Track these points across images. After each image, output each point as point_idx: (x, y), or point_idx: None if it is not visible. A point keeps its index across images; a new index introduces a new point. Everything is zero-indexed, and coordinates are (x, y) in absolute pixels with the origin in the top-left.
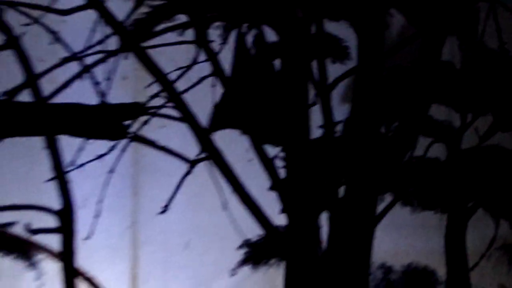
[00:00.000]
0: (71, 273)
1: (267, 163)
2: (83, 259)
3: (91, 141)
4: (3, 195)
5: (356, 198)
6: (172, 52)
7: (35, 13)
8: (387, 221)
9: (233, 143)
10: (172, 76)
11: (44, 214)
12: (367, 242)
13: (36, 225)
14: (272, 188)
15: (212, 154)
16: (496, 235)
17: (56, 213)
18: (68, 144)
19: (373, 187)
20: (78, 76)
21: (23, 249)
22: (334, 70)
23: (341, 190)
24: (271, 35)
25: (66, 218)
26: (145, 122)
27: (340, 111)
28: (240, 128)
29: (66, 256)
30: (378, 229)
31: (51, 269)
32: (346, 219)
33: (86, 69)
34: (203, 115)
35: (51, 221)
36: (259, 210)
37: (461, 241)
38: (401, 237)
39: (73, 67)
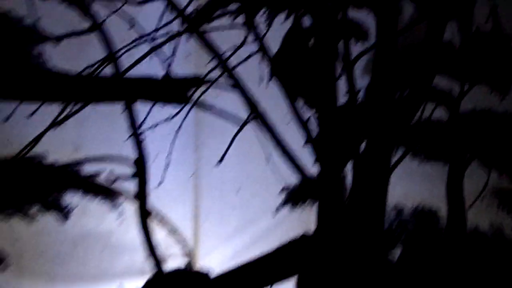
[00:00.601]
0: (144, 213)
1: (303, 124)
2: (155, 202)
3: (161, 106)
4: (91, 151)
5: (375, 152)
6: (227, 34)
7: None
8: (400, 170)
9: (275, 108)
10: (226, 54)
11: (125, 165)
12: (383, 188)
13: (117, 173)
14: (306, 143)
15: (258, 116)
16: (487, 182)
17: (133, 162)
18: (142, 109)
19: (388, 143)
20: (149, 53)
21: (107, 194)
22: (357, 48)
23: (362, 146)
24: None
25: (140, 166)
26: (205, 91)
27: (362, 81)
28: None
29: (141, 198)
30: (392, 178)
31: (129, 210)
32: (366, 169)
33: (156, 48)
34: (251, 85)
35: (128, 171)
36: (296, 162)
37: (460, 186)
38: (411, 184)
39: (145, 47)
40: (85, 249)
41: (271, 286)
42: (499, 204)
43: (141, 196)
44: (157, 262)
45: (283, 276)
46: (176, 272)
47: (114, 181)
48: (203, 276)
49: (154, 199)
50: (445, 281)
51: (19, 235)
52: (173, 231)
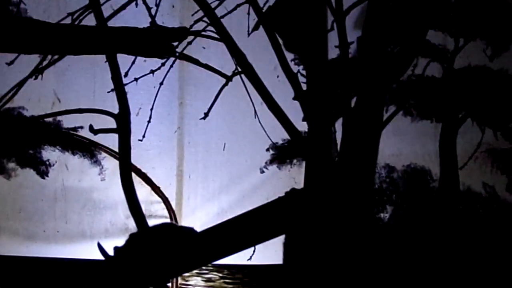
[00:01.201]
0: (127, 170)
1: (292, 77)
2: (137, 158)
3: (144, 58)
4: (72, 103)
5: (365, 107)
6: None
7: None
8: (391, 128)
9: (263, 61)
10: (213, 5)
11: (106, 119)
12: (374, 145)
13: (98, 127)
14: (295, 98)
15: (245, 69)
16: (481, 141)
17: (115, 116)
18: (125, 61)
19: (380, 99)
20: (132, 0)
21: (89, 149)
22: (348, 0)
23: (353, 101)
24: None
25: (123, 120)
26: (190, 43)
27: (354, 35)
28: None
29: (123, 153)
30: (383, 135)
31: (111, 165)
32: (357, 125)
33: None
34: (238, 38)
35: (111, 125)
36: (285, 117)
37: (452, 145)
38: (403, 142)
39: None
40: (65, 206)
41: (253, 251)
42: (492, 163)
43: (123, 151)
44: (140, 220)
45: (270, 235)
46: (159, 228)
47: (95, 133)
48: (187, 231)
49: (136, 155)
50: (437, 243)
51: None
52: (155, 188)
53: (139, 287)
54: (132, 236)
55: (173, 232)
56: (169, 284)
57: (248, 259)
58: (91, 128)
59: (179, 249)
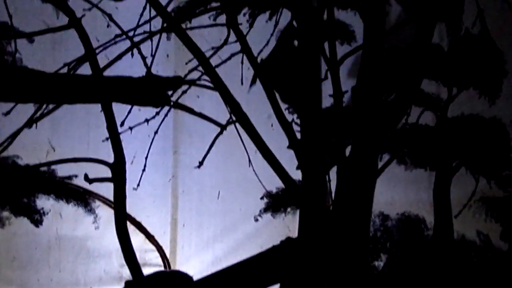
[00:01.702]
0: (122, 217)
1: (286, 126)
2: (132, 207)
3: (139, 107)
4: (67, 151)
5: (360, 156)
6: (207, 34)
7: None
8: (385, 176)
9: (257, 110)
10: (207, 54)
11: (100, 167)
12: (369, 193)
13: (93, 176)
14: (290, 147)
15: (240, 118)
16: (475, 189)
17: (110, 165)
18: (120, 110)
19: (374, 148)
20: (128, 51)
21: (83, 197)
22: (342, 50)
23: (348, 150)
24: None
25: (118, 170)
26: (184, 92)
27: (348, 84)
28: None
29: (118, 202)
30: (377, 183)
31: (106, 214)
32: (351, 174)
33: (135, 46)
34: (233, 87)
35: (106, 173)
36: (279, 165)
37: (446, 194)
38: (397, 190)
39: (124, 45)
40: (59, 254)
41: None
42: (487, 212)
43: (118, 200)
44: (135, 268)
45: (265, 283)
46: (156, 276)
47: (90, 182)
48: (183, 278)
49: (131, 204)
50: None
51: None
52: (150, 237)
53: None
54: (127, 284)
55: (170, 280)
56: None
57: None
58: (86, 178)
59: None
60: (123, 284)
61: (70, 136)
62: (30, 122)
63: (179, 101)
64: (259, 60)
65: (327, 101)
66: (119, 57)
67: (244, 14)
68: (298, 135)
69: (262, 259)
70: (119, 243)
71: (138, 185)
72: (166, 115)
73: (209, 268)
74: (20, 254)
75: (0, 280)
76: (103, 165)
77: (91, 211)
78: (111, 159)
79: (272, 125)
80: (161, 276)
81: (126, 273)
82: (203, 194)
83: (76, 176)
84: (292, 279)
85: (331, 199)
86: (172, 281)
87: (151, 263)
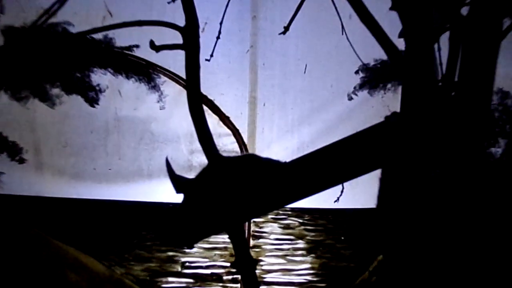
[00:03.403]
0: (196, 91)
1: None
2: (203, 83)
3: None
4: (126, 17)
5: (481, 16)
6: None
7: None
8: (504, 44)
9: None
10: None
11: (168, 35)
12: (491, 61)
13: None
14: (393, 8)
15: None
16: None
17: (181, 29)
18: None
19: (497, 6)
20: None
21: (146, 72)
22: None
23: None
24: None
25: (190, 34)
26: None
27: None
28: None
29: (191, 73)
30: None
31: (172, 91)
32: (469, 38)
33: None
34: None
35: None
36: (380, 30)
37: None
38: None
39: None
40: (118, 139)
41: (341, 191)
42: None
43: (191, 71)
44: (212, 153)
45: (366, 167)
46: (238, 160)
47: (157, 49)
48: (273, 164)
49: (202, 79)
50: None
51: (38, 121)
52: (224, 118)
53: (210, 230)
54: (204, 170)
55: (254, 164)
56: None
57: (335, 201)
58: (152, 45)
59: (262, 183)
60: (192, 175)
61: None
62: None
63: None
64: None
65: None
66: None
67: None
68: None
69: (360, 140)
70: (192, 125)
71: (211, 55)
72: None
73: (293, 154)
74: (73, 139)
75: (50, 169)
76: (173, 29)
77: (155, 87)
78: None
79: None
80: (245, 160)
81: (197, 161)
82: (287, 68)
83: (137, 46)
84: (397, 163)
85: (440, 71)
86: (258, 165)
87: (225, 149)
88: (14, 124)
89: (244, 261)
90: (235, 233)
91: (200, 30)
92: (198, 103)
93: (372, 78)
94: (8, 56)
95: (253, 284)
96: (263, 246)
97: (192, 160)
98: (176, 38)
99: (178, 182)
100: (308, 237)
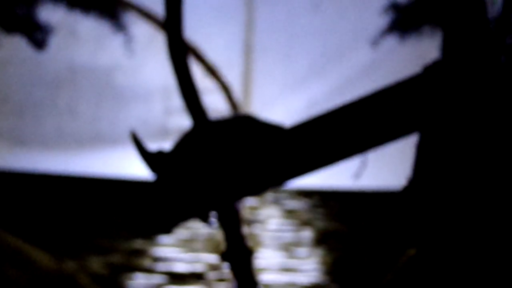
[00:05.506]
0: (178, 34)
1: None
2: (188, 24)
3: None
4: None
5: None
6: None
7: None
8: None
9: None
10: None
11: None
12: None
13: None
14: None
15: None
16: None
17: None
18: None
19: None
20: None
21: (109, 8)
22: None
23: None
24: None
25: None
26: None
27: None
28: None
29: (172, 9)
30: None
31: (143, 34)
32: None
33: None
34: None
35: None
36: None
37: None
38: None
39: None
40: (74, 95)
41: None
42: None
43: (170, 7)
44: (198, 111)
45: (398, 132)
46: (230, 122)
47: None
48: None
49: (188, 20)
50: None
51: None
52: (211, 70)
53: (194, 211)
54: (186, 135)
55: (250, 128)
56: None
57: (354, 177)
58: None
59: (259, 152)
60: (169, 139)
61: None
62: None
63: None
64: None
65: None
66: None
67: None
68: None
69: (388, 97)
70: (169, 77)
71: None
72: None
73: (300, 115)
74: (14, 93)
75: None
76: None
77: (121, 28)
78: None
79: None
80: (239, 122)
81: (175, 124)
82: (293, 5)
83: None
84: (439, 127)
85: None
86: (255, 129)
87: (211, 109)
88: None
89: (238, 251)
90: (226, 215)
91: None
92: (181, 47)
93: (403, 20)
94: None
95: (249, 280)
96: (259, 236)
97: (168, 122)
98: None
99: (152, 160)
100: (316, 224)
